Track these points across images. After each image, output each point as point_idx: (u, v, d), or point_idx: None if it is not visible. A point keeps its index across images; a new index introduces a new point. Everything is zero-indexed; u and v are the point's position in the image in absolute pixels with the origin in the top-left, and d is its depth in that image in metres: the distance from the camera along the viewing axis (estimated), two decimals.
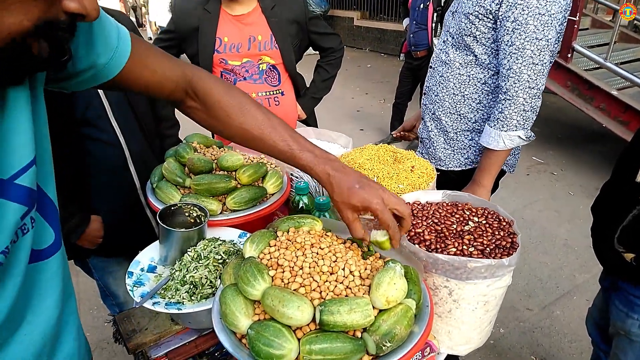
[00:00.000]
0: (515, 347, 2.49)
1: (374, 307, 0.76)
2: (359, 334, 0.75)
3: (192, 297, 0.96)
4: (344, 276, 0.81)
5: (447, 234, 1.03)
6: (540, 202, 3.95)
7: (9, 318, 0.50)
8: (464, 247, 0.99)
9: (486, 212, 1.14)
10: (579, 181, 4.28)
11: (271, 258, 0.85)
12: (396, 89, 5.06)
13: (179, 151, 1.29)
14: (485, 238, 1.02)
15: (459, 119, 1.65)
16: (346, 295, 0.77)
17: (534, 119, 1.46)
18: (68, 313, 0.66)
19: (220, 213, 1.22)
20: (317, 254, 0.86)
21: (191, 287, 0.97)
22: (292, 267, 0.82)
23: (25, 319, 0.54)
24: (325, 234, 0.97)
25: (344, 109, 6.23)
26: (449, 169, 1.76)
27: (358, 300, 0.73)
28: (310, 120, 2.45)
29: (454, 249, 0.99)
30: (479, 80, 1.56)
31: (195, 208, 1.13)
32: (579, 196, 4.01)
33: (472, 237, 1.03)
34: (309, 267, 0.81)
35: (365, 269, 0.85)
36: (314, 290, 0.77)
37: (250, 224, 1.24)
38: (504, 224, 1.09)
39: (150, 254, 1.12)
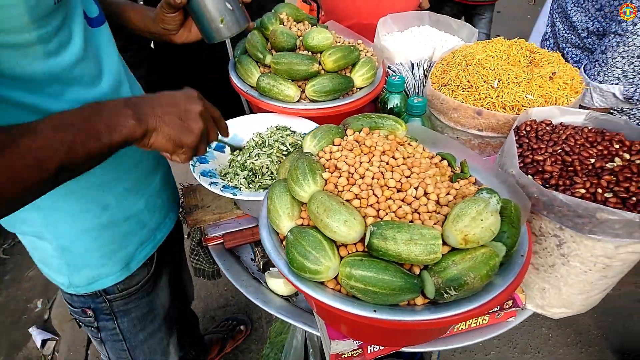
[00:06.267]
0: (622, 312, 2.11)
1: (445, 244, 0.58)
2: (417, 270, 0.59)
3: (250, 185, 0.89)
4: (414, 197, 0.63)
5: (578, 168, 0.75)
6: None
7: (87, 64, 0.70)
8: (599, 190, 0.71)
9: None
10: None
11: (331, 159, 0.70)
12: None
13: (264, 21, 1.13)
14: (633, 183, 0.72)
15: None
16: (411, 221, 0.60)
17: None
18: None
19: (298, 101, 1.08)
20: (388, 163, 0.68)
21: (250, 173, 0.89)
22: (352, 174, 0.66)
23: (102, 71, 0.76)
24: (409, 143, 0.77)
25: None
26: None
27: (424, 230, 0.56)
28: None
29: (583, 190, 0.72)
30: None
31: None
32: None
33: (614, 178, 0.73)
34: (372, 178, 0.65)
35: (448, 194, 0.65)
36: (371, 205, 0.61)
37: (330, 119, 1.08)
38: None
39: None
